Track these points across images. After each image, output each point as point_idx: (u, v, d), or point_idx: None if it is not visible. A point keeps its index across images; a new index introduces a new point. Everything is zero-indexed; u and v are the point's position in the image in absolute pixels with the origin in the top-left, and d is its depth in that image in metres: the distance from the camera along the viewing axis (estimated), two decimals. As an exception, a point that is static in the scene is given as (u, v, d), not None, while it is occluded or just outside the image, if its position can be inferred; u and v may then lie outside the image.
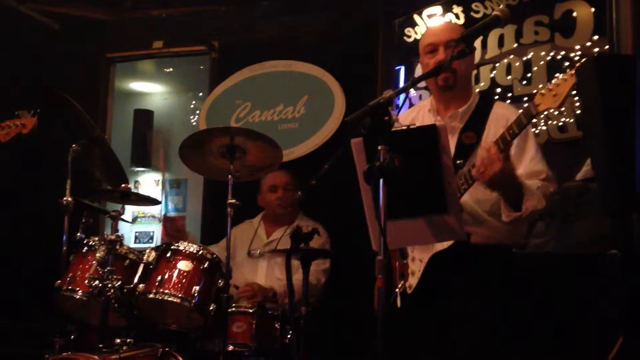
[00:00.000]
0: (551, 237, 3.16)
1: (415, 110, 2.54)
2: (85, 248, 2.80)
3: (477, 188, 2.13)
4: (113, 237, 2.63)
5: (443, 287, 2.22)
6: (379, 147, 1.54)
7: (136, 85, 5.87)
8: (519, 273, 3.02)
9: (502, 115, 2.27)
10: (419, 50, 2.40)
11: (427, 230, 1.75)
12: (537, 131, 3.21)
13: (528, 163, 2.22)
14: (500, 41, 3.40)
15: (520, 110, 2.05)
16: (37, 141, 3.06)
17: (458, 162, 2.18)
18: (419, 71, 3.65)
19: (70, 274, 2.75)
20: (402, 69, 3.87)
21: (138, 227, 5.88)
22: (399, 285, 2.31)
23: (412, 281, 2.25)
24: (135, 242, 5.84)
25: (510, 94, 3.35)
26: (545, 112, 2.06)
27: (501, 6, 3.27)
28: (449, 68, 2.12)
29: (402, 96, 1.83)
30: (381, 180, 1.52)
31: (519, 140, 2.16)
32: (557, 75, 1.95)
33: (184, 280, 2.69)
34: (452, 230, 1.77)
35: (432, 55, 2.30)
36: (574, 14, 3.20)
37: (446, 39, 2.27)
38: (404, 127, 1.59)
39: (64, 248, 2.84)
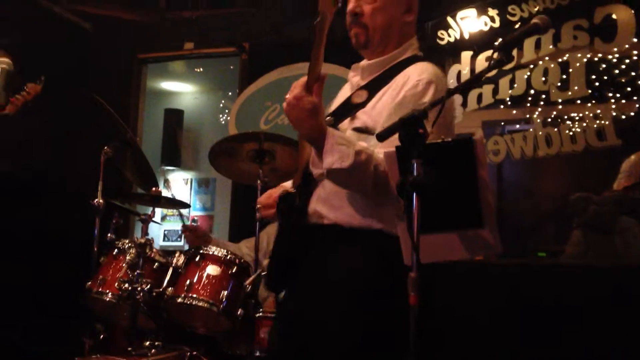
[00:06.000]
0: (589, 247, 3.08)
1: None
2: (116, 250, 2.82)
3: None
4: (143, 240, 2.65)
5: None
6: (413, 161, 1.50)
7: (167, 85, 5.92)
8: (552, 283, 2.96)
9: (405, 74, 1.83)
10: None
11: (461, 244, 1.70)
12: (571, 133, 3.15)
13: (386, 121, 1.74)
14: (537, 45, 3.32)
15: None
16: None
17: (328, 118, 1.85)
18: (451, 74, 3.59)
19: (101, 276, 2.77)
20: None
21: (167, 226, 5.93)
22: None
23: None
24: (164, 240, 5.90)
25: (544, 97, 3.29)
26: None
27: (539, 7, 3.19)
28: (358, 22, 1.89)
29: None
30: (414, 194, 1.47)
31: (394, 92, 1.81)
32: None
33: (213, 284, 2.69)
34: (488, 244, 1.70)
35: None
36: (614, 17, 3.11)
37: None
38: (438, 141, 1.54)
39: (95, 249, 2.86)
